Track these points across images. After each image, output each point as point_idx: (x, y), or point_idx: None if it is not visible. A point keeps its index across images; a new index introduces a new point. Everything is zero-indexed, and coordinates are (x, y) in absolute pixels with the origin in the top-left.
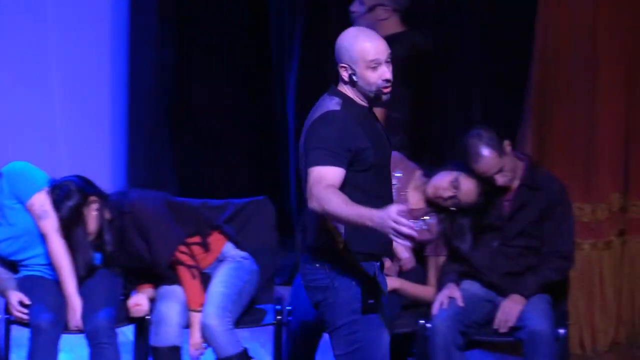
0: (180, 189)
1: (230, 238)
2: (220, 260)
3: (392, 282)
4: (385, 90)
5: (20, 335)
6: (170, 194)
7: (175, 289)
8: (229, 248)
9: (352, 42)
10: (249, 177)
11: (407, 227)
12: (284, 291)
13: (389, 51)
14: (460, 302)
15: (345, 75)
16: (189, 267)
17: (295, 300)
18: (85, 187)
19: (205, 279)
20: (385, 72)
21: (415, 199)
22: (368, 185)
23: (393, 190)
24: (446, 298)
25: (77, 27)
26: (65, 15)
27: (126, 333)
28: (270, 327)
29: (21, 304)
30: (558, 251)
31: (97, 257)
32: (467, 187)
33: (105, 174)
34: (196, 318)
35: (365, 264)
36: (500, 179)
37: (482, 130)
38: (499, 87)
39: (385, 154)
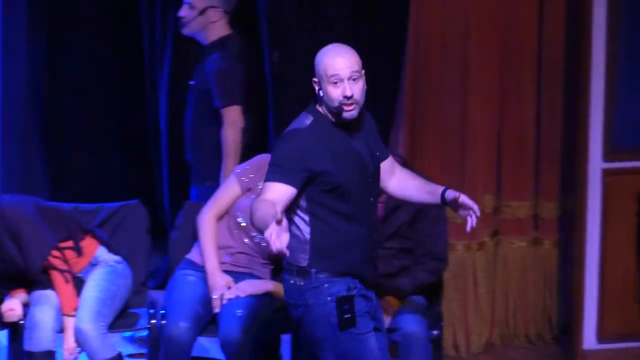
0: (52, 194)
1: (103, 242)
2: (93, 264)
3: (266, 285)
4: (347, 108)
5: None
6: (43, 198)
7: (49, 293)
8: (102, 252)
9: (321, 57)
10: (122, 181)
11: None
12: (157, 295)
13: (356, 69)
14: None
15: (316, 90)
16: (62, 271)
17: (168, 304)
18: None
19: (79, 284)
20: (346, 88)
21: None
22: (336, 206)
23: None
24: None
25: None
26: None
27: (0, 338)
28: (144, 331)
29: None
30: (432, 253)
31: None
32: None
33: None
34: (70, 322)
35: (337, 279)
36: None
37: None
38: (371, 88)
39: (358, 174)
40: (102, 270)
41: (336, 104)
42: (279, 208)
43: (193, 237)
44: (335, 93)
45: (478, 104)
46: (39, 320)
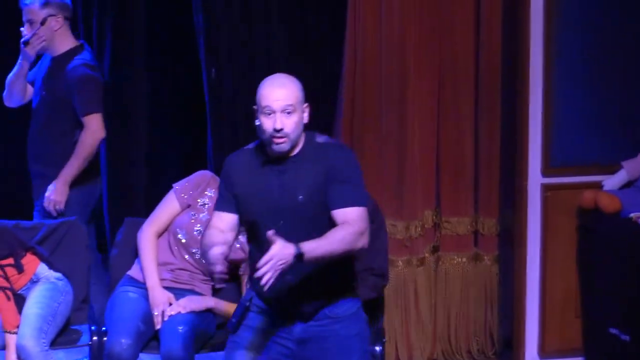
0: None
1: (43, 259)
2: (34, 281)
3: (207, 302)
4: (276, 140)
5: None
6: None
7: None
8: (43, 269)
9: (259, 87)
10: None
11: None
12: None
13: (290, 102)
14: None
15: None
16: (3, 288)
17: (109, 320)
18: None
19: (20, 301)
20: (277, 121)
21: None
22: (250, 234)
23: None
24: None
25: None
26: None
27: None
28: (86, 348)
29: None
30: (372, 269)
31: None
32: None
33: None
34: (11, 339)
35: (252, 291)
36: None
37: None
38: (311, 106)
39: (266, 212)
40: (43, 287)
41: (267, 136)
42: (229, 236)
43: (134, 254)
44: (266, 124)
45: (415, 119)
46: None
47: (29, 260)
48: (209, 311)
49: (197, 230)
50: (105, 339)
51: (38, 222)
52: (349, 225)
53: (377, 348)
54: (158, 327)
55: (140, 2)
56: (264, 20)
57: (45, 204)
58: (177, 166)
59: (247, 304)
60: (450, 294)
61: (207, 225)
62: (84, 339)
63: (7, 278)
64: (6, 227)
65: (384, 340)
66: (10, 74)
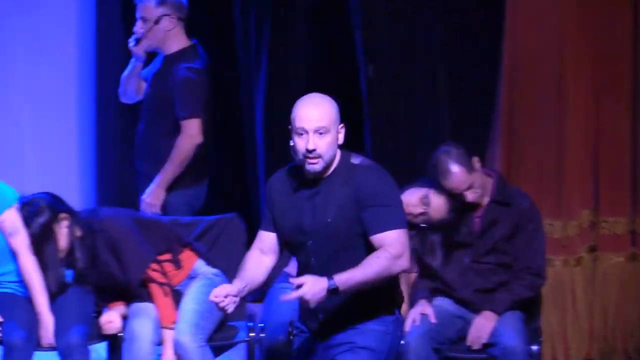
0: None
1: (201, 255)
2: (191, 277)
3: None
4: (309, 161)
5: None
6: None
7: (148, 306)
8: (200, 265)
9: (294, 107)
10: (217, 194)
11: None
12: (256, 308)
13: (323, 124)
14: (432, 319)
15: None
16: (161, 284)
17: (266, 317)
18: (56, 204)
19: (177, 296)
20: (309, 141)
21: None
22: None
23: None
24: (418, 315)
25: (44, 43)
26: (31, 26)
27: (99, 350)
28: (243, 344)
29: None
30: (529, 268)
31: (69, 274)
32: (437, 204)
33: (75, 191)
34: (169, 335)
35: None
36: (470, 196)
37: (452, 147)
38: (468, 104)
39: (294, 232)
40: (200, 283)
41: (300, 156)
42: (267, 259)
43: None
44: (299, 145)
45: (574, 118)
46: (137, 332)
47: (186, 256)
48: None
49: None
50: (262, 335)
51: (196, 218)
52: (384, 250)
53: (534, 347)
54: None
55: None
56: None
57: (142, 206)
58: None
59: (293, 331)
60: (607, 294)
61: None
62: (241, 335)
63: (164, 274)
64: (164, 223)
65: (541, 339)
66: (125, 71)
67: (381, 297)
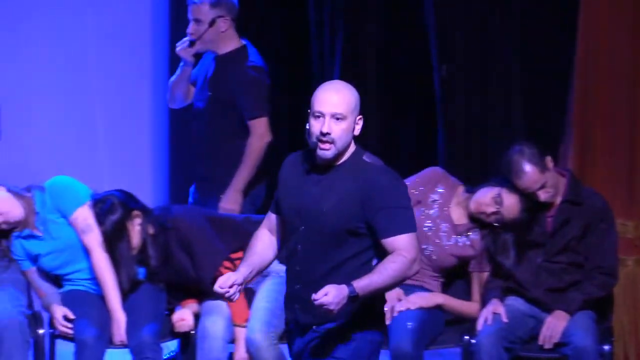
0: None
1: None
2: (264, 275)
3: (436, 298)
4: (321, 145)
5: (65, 350)
6: (213, 209)
7: (220, 304)
8: (273, 263)
9: (315, 91)
10: None
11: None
12: None
13: (339, 111)
14: (504, 318)
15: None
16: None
17: None
18: (128, 202)
19: (250, 294)
20: (325, 125)
21: (457, 215)
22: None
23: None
24: (490, 314)
25: (118, 39)
26: (105, 26)
27: (171, 348)
28: None
29: (65, 318)
30: (601, 267)
31: (141, 272)
32: (510, 203)
33: (147, 189)
34: (241, 333)
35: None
36: (542, 195)
37: (525, 146)
38: (540, 103)
39: (296, 220)
40: (272, 281)
41: (314, 139)
42: (274, 239)
43: None
44: (314, 127)
45: None
46: (209, 330)
47: None
48: (438, 308)
49: (427, 226)
50: None
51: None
52: (398, 254)
53: (606, 347)
54: (388, 322)
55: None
56: (494, 16)
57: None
58: (407, 162)
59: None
60: None
61: (435, 220)
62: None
63: None
64: (237, 220)
65: (613, 339)
66: (173, 77)
67: (373, 310)
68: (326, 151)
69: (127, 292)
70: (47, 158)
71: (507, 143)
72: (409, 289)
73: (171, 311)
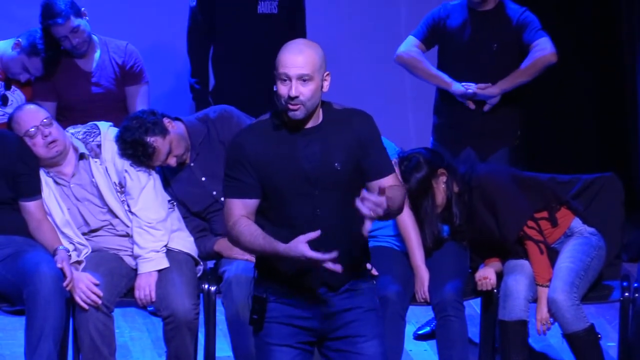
0: (527, 164)
1: (578, 213)
2: (567, 235)
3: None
4: (291, 107)
5: None
6: (518, 168)
7: (523, 263)
8: (577, 224)
9: (279, 52)
10: (596, 152)
11: (319, 258)
12: (631, 268)
13: (305, 72)
14: None
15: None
16: (537, 242)
17: None
18: (434, 160)
19: (553, 254)
20: (292, 88)
21: None
22: (264, 210)
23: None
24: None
25: None
26: None
27: (473, 306)
28: (617, 304)
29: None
30: None
31: (445, 229)
32: None
33: None
34: (543, 293)
35: (263, 280)
36: None
37: None
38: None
39: (294, 181)
40: (576, 241)
41: (282, 102)
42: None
43: None
44: (282, 90)
45: None
46: (512, 289)
47: (563, 214)
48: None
49: None
50: (637, 295)
51: (574, 176)
52: (398, 187)
53: None
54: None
55: None
56: None
57: None
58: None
59: (264, 295)
60: None
61: None
62: (615, 294)
63: (541, 231)
64: (541, 180)
65: None
66: None
67: (365, 252)
68: (296, 112)
69: (431, 249)
70: None
71: None
72: None
73: (474, 269)
